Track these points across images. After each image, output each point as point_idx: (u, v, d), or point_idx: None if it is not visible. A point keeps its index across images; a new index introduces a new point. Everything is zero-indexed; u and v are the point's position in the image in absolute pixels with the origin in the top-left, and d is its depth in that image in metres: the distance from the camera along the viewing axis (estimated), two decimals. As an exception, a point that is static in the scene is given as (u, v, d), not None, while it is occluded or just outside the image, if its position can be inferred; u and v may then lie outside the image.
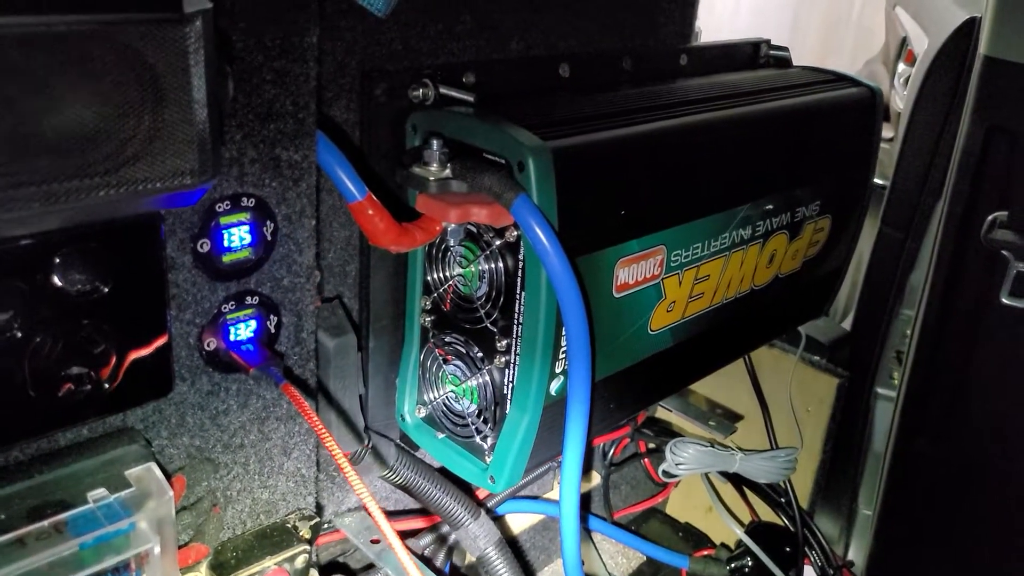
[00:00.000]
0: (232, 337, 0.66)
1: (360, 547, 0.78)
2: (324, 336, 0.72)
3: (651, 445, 1.13)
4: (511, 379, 0.74)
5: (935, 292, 1.16)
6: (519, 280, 0.70)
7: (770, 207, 0.90)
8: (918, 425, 1.23)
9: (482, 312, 0.74)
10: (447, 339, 0.78)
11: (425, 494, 0.84)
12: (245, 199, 0.63)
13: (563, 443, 0.71)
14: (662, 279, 0.80)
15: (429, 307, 0.79)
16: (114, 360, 0.57)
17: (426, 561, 0.89)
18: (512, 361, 0.73)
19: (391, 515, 0.91)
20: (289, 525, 0.67)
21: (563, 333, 0.70)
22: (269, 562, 0.64)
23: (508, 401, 0.75)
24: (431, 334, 0.80)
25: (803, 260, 1.00)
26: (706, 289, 0.86)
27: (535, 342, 0.70)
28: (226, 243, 0.64)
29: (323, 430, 0.61)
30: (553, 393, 0.73)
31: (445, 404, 0.80)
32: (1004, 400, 1.15)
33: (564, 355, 0.72)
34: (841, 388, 1.33)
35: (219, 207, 0.62)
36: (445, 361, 0.79)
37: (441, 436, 0.81)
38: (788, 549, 1.09)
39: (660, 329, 0.82)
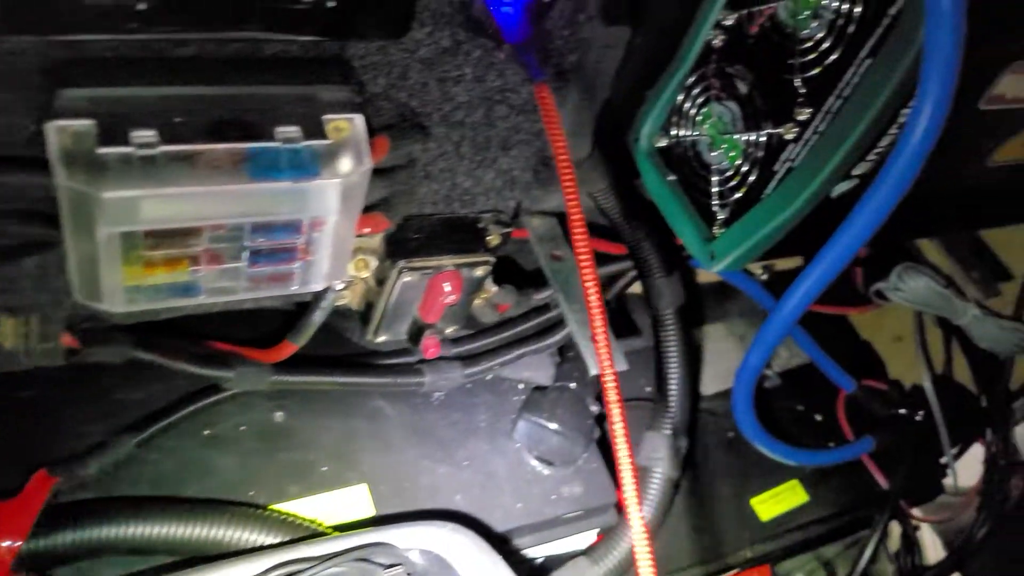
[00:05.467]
0: (495, -13, 0.50)
1: (539, 256, 0.69)
2: (596, 23, 0.55)
3: (873, 255, 0.97)
4: (792, 157, 0.57)
5: None
6: (874, 37, 0.51)
7: None
8: None
9: (798, 60, 0.55)
10: (731, 70, 0.61)
11: (625, 230, 0.72)
12: None
13: (821, 253, 0.57)
14: (1044, 103, 0.58)
15: (729, 23, 0.60)
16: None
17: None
18: (806, 138, 0.56)
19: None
20: (481, 225, 0.58)
21: (888, 130, 0.52)
22: (448, 261, 0.55)
23: (774, 179, 0.59)
24: (714, 56, 0.62)
25: None
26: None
27: (851, 129, 0.52)
28: None
29: (560, 141, 0.49)
30: (832, 195, 0.57)
31: (694, 145, 0.65)
32: None
33: (875, 156, 0.55)
34: None
35: None
36: (717, 97, 0.62)
37: (671, 178, 0.67)
38: (968, 422, 0.96)
39: (1000, 164, 0.62)
